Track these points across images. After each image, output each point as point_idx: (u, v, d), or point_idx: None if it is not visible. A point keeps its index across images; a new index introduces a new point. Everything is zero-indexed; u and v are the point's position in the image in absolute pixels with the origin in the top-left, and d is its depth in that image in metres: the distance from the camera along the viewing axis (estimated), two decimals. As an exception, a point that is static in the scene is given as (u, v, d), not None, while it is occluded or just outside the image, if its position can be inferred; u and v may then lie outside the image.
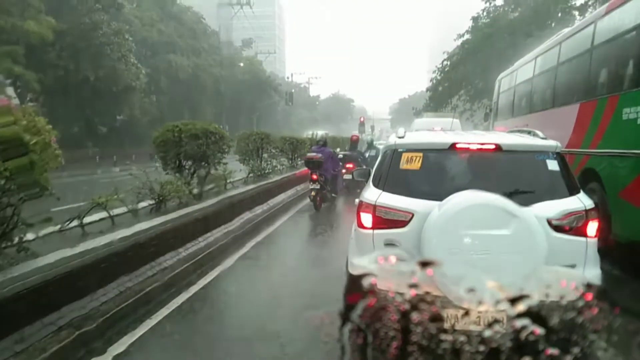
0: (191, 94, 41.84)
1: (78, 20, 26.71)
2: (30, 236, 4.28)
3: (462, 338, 1.96)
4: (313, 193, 11.41)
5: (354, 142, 16.10)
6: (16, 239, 4.07)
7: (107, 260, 4.80)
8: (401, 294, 2.32)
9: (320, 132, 21.98)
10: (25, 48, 23.01)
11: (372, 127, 59.02)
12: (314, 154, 12.17)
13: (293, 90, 53.60)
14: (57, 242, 4.76)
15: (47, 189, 4.25)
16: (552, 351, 1.95)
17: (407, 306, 2.16)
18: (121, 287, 4.90)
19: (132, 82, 30.12)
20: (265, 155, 13.36)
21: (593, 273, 3.49)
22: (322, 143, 13.25)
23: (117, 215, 6.13)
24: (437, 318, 2.30)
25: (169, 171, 8.09)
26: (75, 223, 5.48)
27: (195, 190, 8.15)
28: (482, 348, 1.88)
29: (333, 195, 12.73)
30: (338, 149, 17.26)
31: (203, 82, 42.52)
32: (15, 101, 4.48)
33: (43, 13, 23.64)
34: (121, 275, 5.01)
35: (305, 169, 15.82)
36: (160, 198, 6.88)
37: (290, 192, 13.33)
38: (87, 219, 5.63)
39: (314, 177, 11.39)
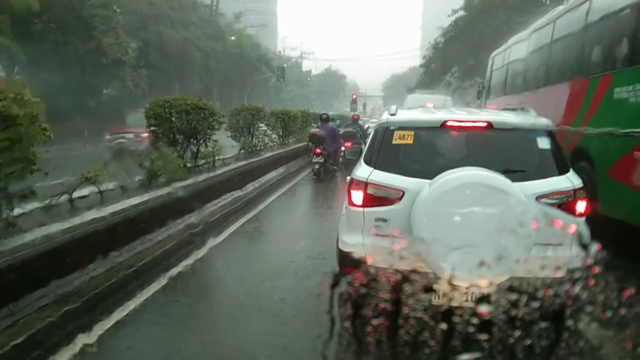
0: (182, 68, 41.22)
1: (65, -9, 26.03)
2: (18, 211, 4.24)
3: (451, 313, 1.98)
4: (317, 166, 12.46)
5: (354, 121, 17.30)
6: (4, 214, 4.03)
7: (96, 235, 4.78)
8: (390, 270, 2.33)
9: None
10: (11, 19, 22.42)
11: (364, 105, 58.63)
12: (317, 130, 13.23)
13: (285, 65, 52.92)
14: (46, 218, 4.72)
15: (34, 164, 4.19)
16: (540, 325, 1.98)
17: (396, 281, 2.17)
18: (111, 262, 4.89)
19: (122, 56, 29.58)
20: (256, 132, 13.31)
21: (580, 252, 3.52)
22: (325, 119, 14.08)
23: (106, 190, 6.08)
24: (426, 293, 2.31)
25: (161, 145, 8.05)
26: (64, 198, 5.43)
27: (188, 164, 8.14)
28: (471, 322, 1.91)
29: (335, 167, 13.50)
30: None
31: (193, 56, 41.86)
32: (1, 73, 4.39)
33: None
34: (111, 251, 4.99)
35: (297, 146, 16.06)
36: (151, 173, 6.84)
37: (281, 170, 13.30)
38: (76, 194, 5.58)
39: (317, 151, 12.44)
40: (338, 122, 17.99)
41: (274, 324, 4.20)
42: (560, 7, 8.99)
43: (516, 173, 3.58)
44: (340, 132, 14.75)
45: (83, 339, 3.80)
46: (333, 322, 1.77)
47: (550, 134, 3.92)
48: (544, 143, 3.86)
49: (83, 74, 28.27)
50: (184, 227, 6.61)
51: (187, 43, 40.79)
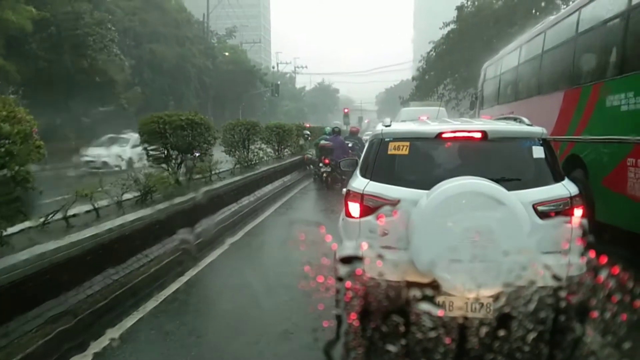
0: (176, 85, 41.36)
1: (60, 10, 26.13)
2: (11, 230, 4.21)
3: (450, 323, 1.97)
4: (325, 174, 13.71)
5: (353, 133, 17.65)
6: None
7: (92, 252, 4.74)
8: (389, 282, 2.31)
9: None
10: (4, 38, 22.48)
11: (360, 118, 58.41)
12: (326, 142, 14.34)
13: (279, 82, 53.14)
14: (41, 236, 4.68)
15: (28, 182, 4.16)
16: (538, 335, 1.97)
17: (394, 294, 2.16)
18: (107, 279, 4.85)
19: (115, 75, 29.67)
20: (251, 146, 13.35)
21: (577, 259, 3.52)
22: (337, 132, 15.46)
23: (102, 207, 6.05)
24: (425, 304, 2.30)
25: (152, 162, 8.04)
26: (59, 216, 5.38)
27: (181, 179, 8.12)
28: (469, 332, 1.90)
29: (344, 177, 13.69)
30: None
31: (187, 73, 42.04)
32: (-6, 92, 4.38)
33: (22, 2, 23.06)
34: (107, 268, 4.95)
35: (292, 159, 16.17)
36: (146, 189, 6.81)
37: (277, 184, 13.31)
38: (71, 212, 5.54)
39: (326, 161, 13.71)
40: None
41: (272, 340, 4.15)
42: (551, 18, 9.10)
43: (512, 182, 3.59)
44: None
45: (78, 359, 3.74)
46: (340, 319, 1.75)
47: (545, 142, 3.94)
48: (538, 151, 3.87)
49: (77, 92, 28.29)
50: (179, 242, 6.56)
51: (181, 59, 40.98)
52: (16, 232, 4.38)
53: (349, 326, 1.65)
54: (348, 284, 2.02)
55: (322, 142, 14.57)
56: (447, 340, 1.85)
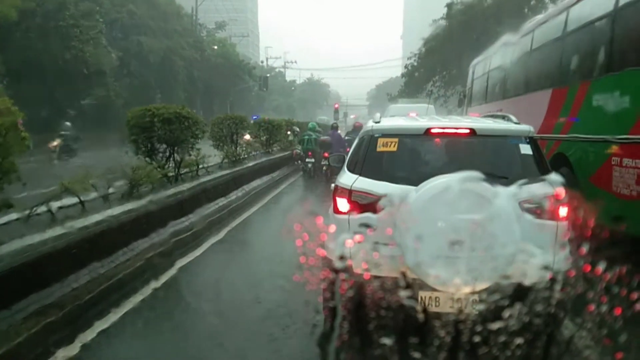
0: (164, 77, 40.94)
1: (46, 0, 25.73)
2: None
3: (436, 319, 1.99)
4: (324, 167, 14.42)
5: (356, 129, 17.37)
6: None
7: (77, 246, 4.69)
8: (376, 277, 2.32)
9: None
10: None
11: (345, 114, 57.98)
12: (326, 137, 15.29)
13: (268, 75, 52.87)
14: (25, 229, 4.62)
15: (15, 172, 4.11)
16: (523, 332, 1.99)
17: (382, 289, 2.17)
18: (93, 273, 4.80)
19: (102, 67, 29.33)
20: (240, 141, 13.30)
21: (563, 256, 3.56)
22: (335, 127, 16.63)
23: (87, 200, 5.98)
24: (411, 300, 2.32)
25: (140, 155, 7.96)
26: (43, 208, 5.32)
27: (170, 174, 8.06)
28: (455, 328, 1.91)
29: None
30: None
31: (176, 66, 41.64)
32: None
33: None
34: (93, 262, 4.90)
35: (281, 154, 16.24)
36: (133, 183, 6.75)
37: (265, 179, 13.28)
38: (56, 205, 5.47)
39: (325, 155, 14.32)
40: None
41: (259, 335, 4.15)
42: (539, 17, 9.16)
43: (499, 178, 3.61)
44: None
45: (65, 351, 3.71)
46: (335, 311, 1.75)
47: (532, 140, 3.97)
48: (526, 149, 3.91)
49: (63, 83, 27.90)
50: (166, 236, 6.53)
51: (170, 52, 40.57)
52: (1, 224, 4.32)
53: (342, 319, 1.65)
54: (341, 276, 2.03)
55: (321, 137, 15.44)
56: (433, 336, 1.86)
